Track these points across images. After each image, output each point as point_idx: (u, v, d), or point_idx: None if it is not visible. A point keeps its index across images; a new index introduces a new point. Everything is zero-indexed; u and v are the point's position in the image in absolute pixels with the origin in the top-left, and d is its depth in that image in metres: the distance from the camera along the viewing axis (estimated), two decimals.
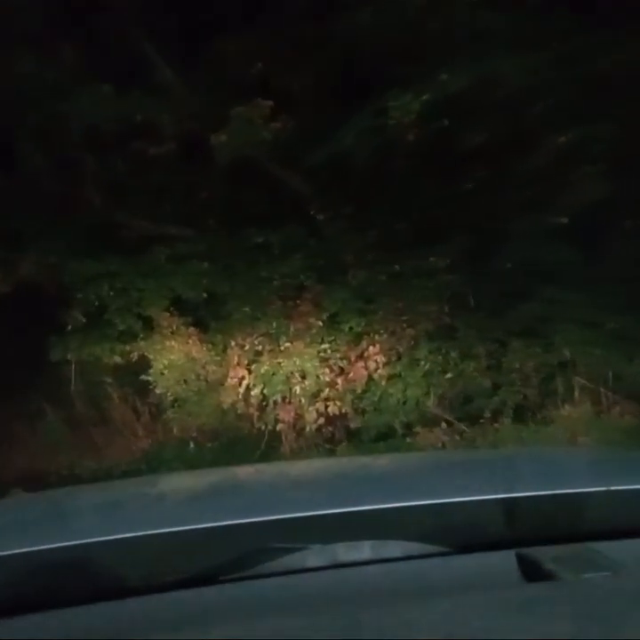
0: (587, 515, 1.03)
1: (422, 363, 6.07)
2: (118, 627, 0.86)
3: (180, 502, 1.41)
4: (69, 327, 6.82)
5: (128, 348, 6.89)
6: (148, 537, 0.97)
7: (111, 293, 6.83)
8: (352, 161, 5.64)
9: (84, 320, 6.80)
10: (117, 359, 6.98)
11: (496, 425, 5.49)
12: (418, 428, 5.53)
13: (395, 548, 0.96)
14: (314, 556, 0.94)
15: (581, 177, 5.33)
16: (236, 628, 0.79)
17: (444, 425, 5.58)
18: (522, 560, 0.92)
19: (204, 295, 6.75)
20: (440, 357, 6.06)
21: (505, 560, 0.93)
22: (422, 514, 1.02)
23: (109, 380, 7.34)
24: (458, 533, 1.00)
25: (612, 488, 1.06)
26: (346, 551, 0.95)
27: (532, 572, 0.90)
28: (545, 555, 0.91)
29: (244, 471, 1.98)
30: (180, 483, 1.70)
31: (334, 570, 0.94)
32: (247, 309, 6.50)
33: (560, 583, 0.86)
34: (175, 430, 6.89)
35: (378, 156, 5.51)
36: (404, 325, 6.11)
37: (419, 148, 5.33)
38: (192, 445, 6.69)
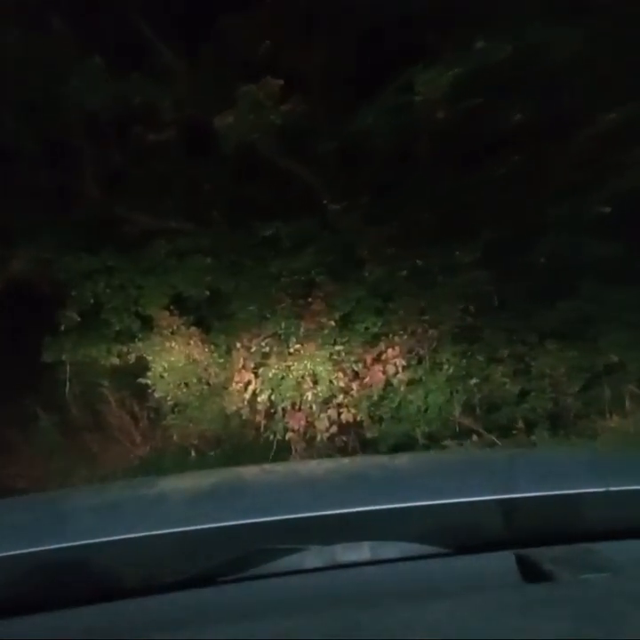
0: (585, 515, 1.04)
1: (445, 367, 5.62)
2: (118, 627, 0.87)
3: (179, 503, 1.40)
4: (62, 327, 6.51)
5: (125, 349, 6.60)
6: (147, 538, 0.97)
7: (108, 291, 6.53)
8: (370, 145, 5.19)
9: (78, 319, 6.49)
10: (115, 360, 6.71)
11: (533, 437, 5.01)
12: (447, 442, 5.06)
13: (394, 548, 0.96)
14: (313, 556, 0.94)
15: (628, 160, 4.84)
16: (235, 629, 0.81)
17: (475, 437, 5.11)
18: (521, 561, 0.93)
19: (207, 293, 6.41)
20: (465, 361, 5.61)
21: (504, 561, 0.93)
22: (421, 515, 1.02)
23: (106, 382, 7.02)
24: (457, 534, 1.00)
25: (611, 489, 1.06)
26: (345, 552, 0.95)
27: (531, 572, 0.90)
28: (544, 556, 0.91)
29: (243, 472, 1.98)
30: (179, 484, 1.69)
31: (333, 571, 0.94)
32: (253, 308, 6.12)
33: (559, 584, 0.86)
34: (175, 437, 6.53)
35: (400, 138, 5.03)
36: (426, 326, 5.67)
37: (446, 129, 4.85)
38: (193, 454, 6.34)
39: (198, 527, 0.98)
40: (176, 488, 1.60)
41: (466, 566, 0.95)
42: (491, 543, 0.97)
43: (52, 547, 0.95)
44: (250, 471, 2.10)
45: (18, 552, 0.94)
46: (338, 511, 1.02)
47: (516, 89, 4.57)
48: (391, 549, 0.96)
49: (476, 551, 0.97)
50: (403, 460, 2.39)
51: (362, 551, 0.96)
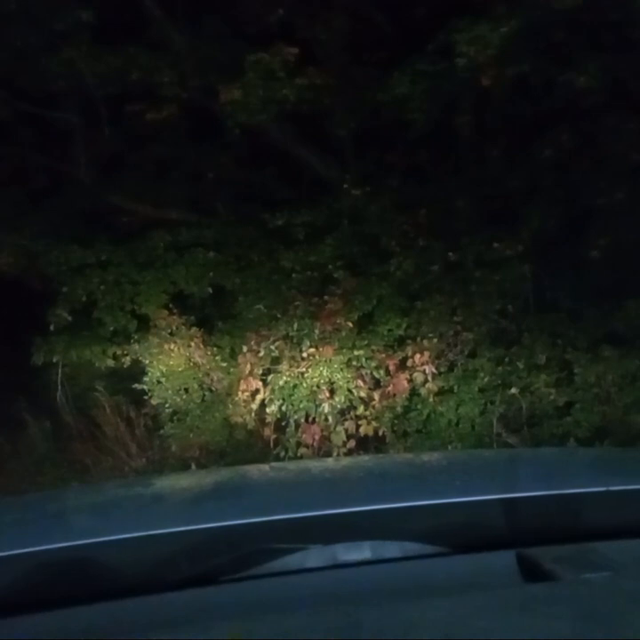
0: (586, 515, 1.05)
1: (480, 374, 5.08)
2: (118, 627, 0.88)
3: (180, 503, 1.42)
4: (52, 326, 6.16)
5: (120, 350, 6.27)
6: (148, 537, 0.99)
7: (102, 287, 6.19)
8: (402, 119, 4.63)
9: (69, 318, 6.15)
10: (110, 363, 6.40)
11: None
12: None
13: (395, 548, 0.98)
14: (314, 556, 0.96)
15: None
16: (236, 628, 0.82)
17: None
18: (522, 560, 0.95)
19: (210, 290, 6.13)
20: (502, 368, 5.07)
21: (505, 560, 0.95)
22: (423, 514, 1.05)
23: (100, 387, 6.59)
24: (458, 533, 1.02)
25: (612, 488, 1.07)
26: (346, 551, 0.97)
27: (532, 572, 0.92)
28: (545, 555, 0.93)
29: (244, 472, 1.99)
30: (180, 483, 1.70)
31: (334, 570, 0.96)
32: (262, 307, 5.72)
33: (560, 583, 0.88)
34: (174, 448, 6.11)
35: (436, 111, 4.48)
36: (459, 328, 5.14)
37: (491, 100, 4.28)
38: (194, 467, 5.85)
39: (199, 527, 1.00)
40: (176, 487, 1.62)
41: (467, 565, 0.97)
42: (492, 542, 0.99)
43: (52, 546, 0.97)
44: (250, 470, 2.12)
45: (18, 552, 0.96)
46: (339, 511, 1.04)
47: (578, 50, 3.95)
48: (392, 549, 0.98)
49: (478, 550, 0.98)
50: (404, 459, 2.45)
51: (363, 550, 0.97)
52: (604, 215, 4.71)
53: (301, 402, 5.20)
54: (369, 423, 5.21)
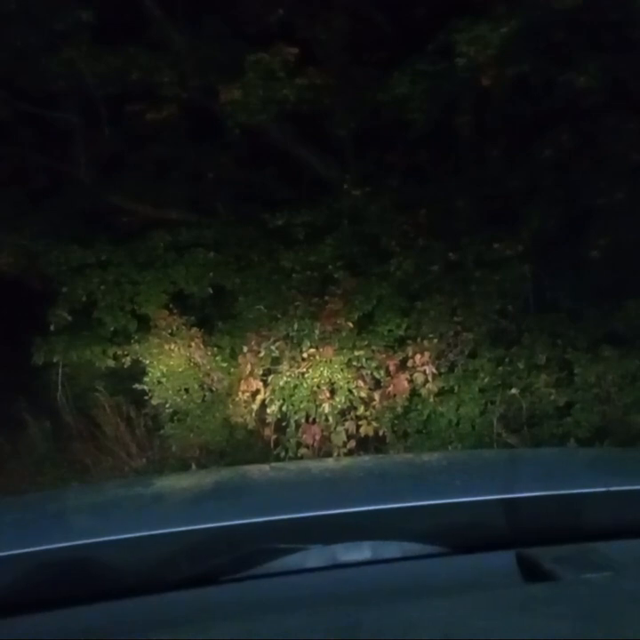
0: (587, 515, 1.05)
1: (480, 375, 5.06)
2: (118, 627, 0.88)
3: (180, 503, 1.43)
4: (52, 326, 6.14)
5: (121, 351, 6.25)
6: (149, 537, 0.99)
7: (102, 287, 6.16)
8: (402, 119, 4.61)
9: (69, 318, 6.13)
10: (110, 363, 6.37)
11: None
12: None
13: (395, 548, 0.98)
14: (314, 556, 0.96)
15: None
16: (236, 628, 0.82)
17: None
18: (522, 560, 0.95)
19: (210, 290, 6.10)
20: (503, 368, 5.05)
21: (505, 560, 0.95)
22: (423, 514, 1.05)
23: (101, 387, 6.58)
24: (458, 534, 1.02)
25: (612, 488, 1.07)
26: (346, 551, 0.98)
27: (532, 572, 0.92)
28: (545, 555, 0.93)
29: (244, 471, 1.99)
30: (180, 483, 1.71)
31: (334, 570, 0.96)
32: (262, 307, 5.70)
33: (560, 583, 0.88)
34: (174, 448, 6.10)
35: (436, 111, 4.46)
36: (459, 328, 5.12)
37: (491, 100, 4.26)
38: (194, 467, 5.84)
39: (199, 527, 1.00)
40: (176, 487, 1.63)
41: (467, 566, 0.97)
42: (492, 542, 0.99)
43: (52, 546, 0.97)
44: (250, 470, 2.12)
45: (18, 552, 0.95)
46: (339, 511, 1.03)
47: (578, 50, 3.94)
48: (392, 549, 0.98)
49: (478, 550, 0.98)
50: (404, 459, 2.44)
51: (363, 550, 0.97)
52: (604, 215, 4.68)
53: (302, 402, 5.18)
54: (369, 423, 5.19)
